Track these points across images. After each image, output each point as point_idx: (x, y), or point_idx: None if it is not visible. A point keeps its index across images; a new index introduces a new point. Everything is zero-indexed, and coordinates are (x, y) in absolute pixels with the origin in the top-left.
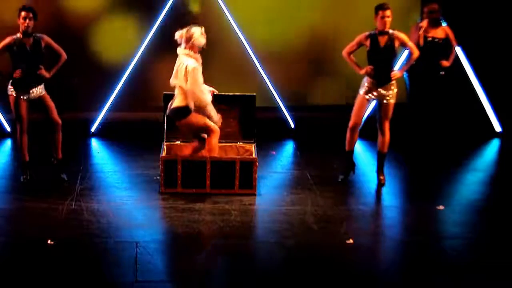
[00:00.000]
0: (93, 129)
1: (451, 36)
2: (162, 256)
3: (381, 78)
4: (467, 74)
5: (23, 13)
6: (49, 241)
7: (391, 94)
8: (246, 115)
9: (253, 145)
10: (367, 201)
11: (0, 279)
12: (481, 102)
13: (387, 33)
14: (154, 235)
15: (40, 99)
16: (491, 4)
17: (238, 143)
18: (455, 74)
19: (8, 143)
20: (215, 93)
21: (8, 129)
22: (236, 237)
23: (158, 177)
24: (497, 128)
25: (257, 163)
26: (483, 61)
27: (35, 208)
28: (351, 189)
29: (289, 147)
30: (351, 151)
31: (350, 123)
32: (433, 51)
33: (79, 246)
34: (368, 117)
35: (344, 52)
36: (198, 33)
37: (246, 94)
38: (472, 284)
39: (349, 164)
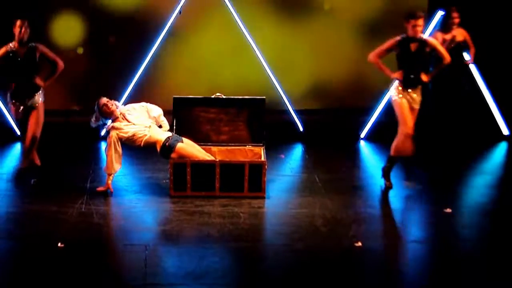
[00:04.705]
0: (103, 133)
1: (468, 37)
2: (172, 259)
3: (411, 83)
4: (474, 78)
5: (18, 22)
6: (59, 244)
7: (419, 100)
8: (255, 119)
9: (262, 148)
10: (375, 204)
11: (11, 282)
12: (488, 106)
13: (418, 39)
14: (164, 238)
15: (32, 108)
16: (498, 6)
17: (247, 146)
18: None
19: (18, 146)
20: (222, 97)
21: (18, 132)
22: (245, 239)
23: (167, 180)
24: (505, 131)
25: (266, 166)
26: (491, 65)
27: (45, 211)
28: (359, 192)
29: (298, 150)
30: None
31: (407, 131)
32: (457, 52)
33: (89, 249)
34: (375, 122)
35: (373, 56)
36: (97, 109)
37: (256, 97)
38: (481, 286)
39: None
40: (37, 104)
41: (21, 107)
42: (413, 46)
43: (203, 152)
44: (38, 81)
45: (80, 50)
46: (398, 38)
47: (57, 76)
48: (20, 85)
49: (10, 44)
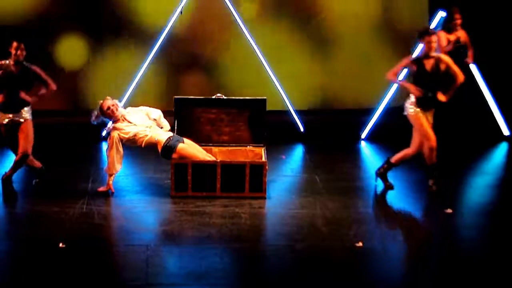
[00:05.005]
0: (104, 133)
1: (467, 38)
2: (173, 259)
3: (428, 103)
4: (475, 78)
5: (14, 44)
6: (60, 245)
7: (431, 122)
8: (256, 119)
9: (263, 148)
10: (376, 204)
11: (13, 283)
12: (489, 106)
13: (432, 57)
14: (165, 239)
15: (18, 124)
16: (498, 6)
17: (248, 146)
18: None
19: None
20: (223, 97)
21: None
22: (246, 240)
23: (168, 181)
24: (505, 131)
25: (267, 167)
26: (491, 65)
27: (46, 212)
28: (360, 192)
29: (298, 151)
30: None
31: (431, 144)
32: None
33: (90, 250)
34: (376, 123)
35: (391, 76)
36: (100, 109)
37: (257, 98)
38: (482, 286)
39: (438, 172)
40: (24, 120)
41: (6, 120)
42: (428, 65)
43: (204, 153)
44: (23, 95)
45: None
46: (412, 57)
47: (46, 95)
48: (8, 98)
49: (6, 61)
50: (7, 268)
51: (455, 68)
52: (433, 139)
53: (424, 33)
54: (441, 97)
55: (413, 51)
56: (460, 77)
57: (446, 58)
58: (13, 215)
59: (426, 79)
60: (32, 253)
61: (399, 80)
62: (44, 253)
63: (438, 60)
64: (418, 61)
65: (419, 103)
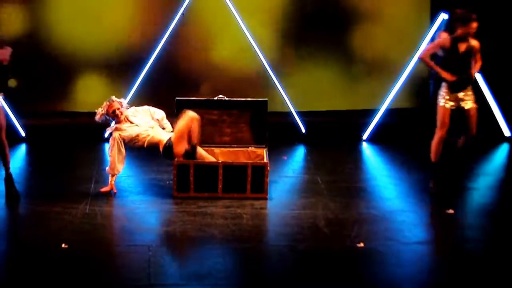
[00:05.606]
0: (106, 134)
1: None
2: (175, 260)
3: (461, 85)
4: (475, 79)
5: None
6: (63, 245)
7: (471, 97)
8: (258, 120)
9: (265, 149)
10: (378, 205)
11: (15, 283)
12: (490, 107)
13: (466, 40)
14: (167, 239)
15: None
16: (499, 7)
17: (250, 147)
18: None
19: (22, 148)
20: (224, 98)
21: (23, 134)
22: (248, 240)
23: (170, 182)
24: (506, 132)
25: (268, 168)
26: (491, 65)
27: (49, 212)
28: (362, 193)
29: (300, 152)
30: (439, 161)
31: (440, 135)
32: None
33: (92, 250)
34: (377, 124)
35: (424, 56)
36: (106, 110)
37: (258, 99)
38: (483, 287)
39: (440, 173)
40: None
41: None
42: (462, 47)
43: (205, 154)
44: None
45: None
46: (449, 36)
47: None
48: None
49: None
50: (9, 268)
51: (479, 55)
52: (441, 131)
53: (470, 19)
54: (474, 72)
55: (414, 51)
56: (480, 65)
57: (477, 43)
58: (15, 215)
59: (458, 60)
60: (34, 253)
61: (431, 62)
62: (46, 253)
63: (470, 43)
64: (454, 41)
65: (451, 87)
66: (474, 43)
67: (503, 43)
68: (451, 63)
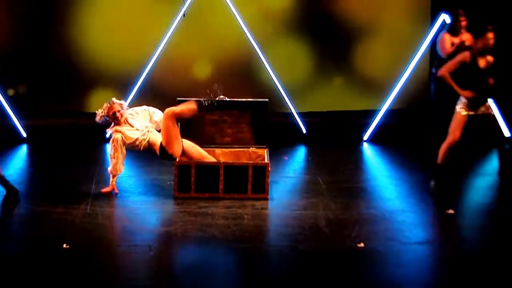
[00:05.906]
0: (108, 135)
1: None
2: (176, 260)
3: (480, 100)
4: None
5: None
6: (64, 245)
7: (488, 105)
8: (259, 121)
9: (266, 150)
10: (378, 205)
11: (16, 283)
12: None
13: (484, 54)
14: (168, 239)
15: None
16: (500, 8)
17: (251, 148)
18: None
19: (24, 148)
20: (225, 99)
21: (24, 134)
22: (248, 241)
23: (171, 182)
24: (507, 133)
25: (269, 168)
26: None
27: (50, 212)
28: (362, 193)
29: (301, 152)
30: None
31: (450, 140)
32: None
33: (94, 250)
34: (378, 125)
35: (445, 72)
36: (106, 112)
37: (259, 99)
38: (483, 287)
39: (443, 175)
40: None
41: None
42: (482, 63)
43: (205, 154)
44: None
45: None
46: (468, 52)
47: None
48: None
49: None
50: (11, 268)
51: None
52: (453, 136)
53: (485, 30)
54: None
55: (414, 53)
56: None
57: (492, 59)
58: (17, 215)
59: (478, 76)
60: (36, 253)
61: (451, 80)
62: (48, 253)
63: (488, 59)
64: (474, 57)
65: (471, 104)
66: (490, 58)
67: (503, 43)
68: (472, 79)
